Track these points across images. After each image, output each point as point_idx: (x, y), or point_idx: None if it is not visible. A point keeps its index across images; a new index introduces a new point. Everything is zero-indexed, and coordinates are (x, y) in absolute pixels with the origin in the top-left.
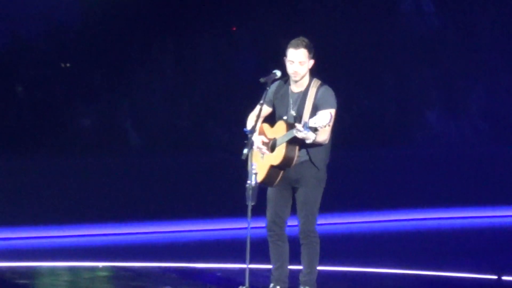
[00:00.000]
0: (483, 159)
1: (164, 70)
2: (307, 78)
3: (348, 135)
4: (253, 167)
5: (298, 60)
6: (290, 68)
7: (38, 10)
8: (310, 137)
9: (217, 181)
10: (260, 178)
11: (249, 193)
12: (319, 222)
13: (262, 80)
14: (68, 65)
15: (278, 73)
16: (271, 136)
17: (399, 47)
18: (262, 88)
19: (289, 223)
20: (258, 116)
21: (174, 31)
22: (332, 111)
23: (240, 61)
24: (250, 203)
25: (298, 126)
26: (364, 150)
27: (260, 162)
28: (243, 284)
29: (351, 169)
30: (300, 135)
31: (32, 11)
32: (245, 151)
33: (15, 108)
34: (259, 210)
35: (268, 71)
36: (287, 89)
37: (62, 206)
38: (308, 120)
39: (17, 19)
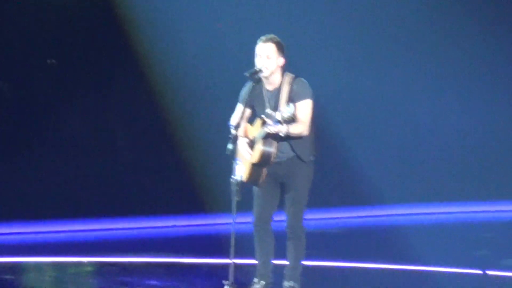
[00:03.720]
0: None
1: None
2: (278, 75)
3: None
4: (238, 162)
5: (265, 54)
6: (258, 62)
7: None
8: (281, 130)
9: (203, 177)
10: (244, 177)
11: (234, 188)
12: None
13: (247, 74)
14: (54, 61)
15: (263, 69)
16: (252, 135)
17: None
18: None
19: (275, 218)
20: (242, 115)
21: (160, 29)
22: (307, 102)
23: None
24: (235, 199)
25: (268, 121)
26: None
27: (244, 162)
28: (228, 279)
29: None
30: (271, 129)
31: (14, 6)
32: (230, 146)
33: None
34: (245, 205)
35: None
36: (261, 88)
37: (47, 201)
38: (275, 114)
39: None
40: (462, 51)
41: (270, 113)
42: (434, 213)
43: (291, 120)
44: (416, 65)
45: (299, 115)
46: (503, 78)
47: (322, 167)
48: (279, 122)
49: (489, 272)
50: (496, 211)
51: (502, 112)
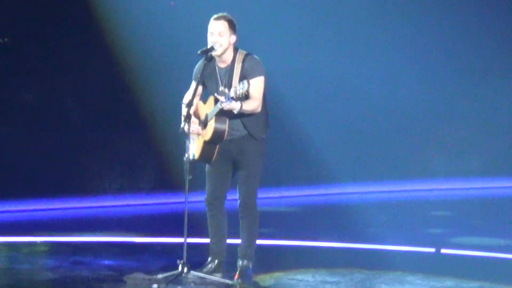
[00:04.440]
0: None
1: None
2: (231, 53)
3: None
4: (190, 140)
5: (217, 31)
6: (210, 40)
7: None
8: (235, 106)
9: (156, 156)
10: (197, 155)
11: (187, 166)
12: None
13: (199, 52)
14: (5, 40)
15: (215, 47)
16: (204, 112)
17: None
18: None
19: (228, 197)
20: (194, 93)
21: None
22: (260, 79)
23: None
24: (188, 177)
25: (221, 98)
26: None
27: (197, 140)
28: (182, 258)
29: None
30: (224, 106)
31: None
32: (182, 125)
33: None
34: (198, 184)
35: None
36: (214, 66)
37: None
38: (230, 91)
39: None
40: (417, 30)
41: (223, 90)
42: (387, 191)
43: (245, 97)
44: (370, 44)
45: (252, 92)
46: (459, 58)
47: (274, 145)
48: (232, 99)
49: (443, 251)
50: (449, 189)
51: (455, 91)
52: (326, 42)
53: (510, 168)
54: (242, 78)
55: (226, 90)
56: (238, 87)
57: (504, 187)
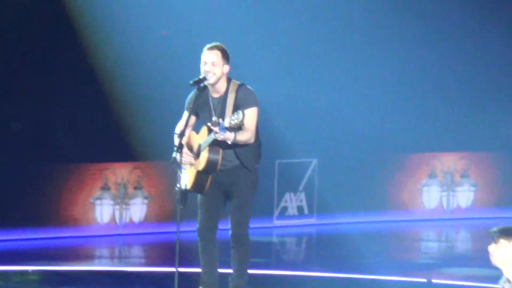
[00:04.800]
0: None
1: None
2: (224, 83)
3: None
4: (183, 170)
5: (210, 60)
6: (202, 69)
7: None
8: (229, 137)
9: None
10: (189, 185)
11: (178, 196)
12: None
13: (191, 82)
14: None
15: (208, 77)
16: (197, 142)
17: None
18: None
19: (220, 226)
20: (187, 123)
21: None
22: (253, 109)
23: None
24: (179, 207)
25: (215, 129)
26: None
27: (189, 170)
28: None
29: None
30: (218, 137)
31: None
32: (174, 154)
33: None
34: (189, 214)
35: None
36: (207, 96)
37: None
38: (224, 121)
39: None
40: (404, 60)
41: (216, 121)
42: (377, 221)
43: (238, 128)
44: (357, 73)
45: (245, 123)
46: (448, 89)
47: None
48: (226, 129)
49: (434, 281)
50: (441, 219)
51: (445, 122)
52: (316, 71)
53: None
54: (236, 108)
55: (220, 120)
56: (233, 118)
57: (496, 217)
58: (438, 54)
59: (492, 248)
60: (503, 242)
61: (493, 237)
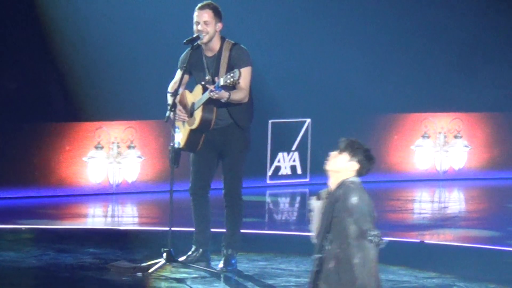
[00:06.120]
0: None
1: None
2: (218, 41)
3: None
4: (176, 130)
5: (203, 20)
6: (195, 29)
7: None
8: (223, 96)
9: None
10: (182, 144)
11: (172, 155)
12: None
13: (185, 41)
14: None
15: (201, 36)
16: (191, 101)
17: None
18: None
19: (212, 187)
20: (180, 82)
21: None
22: (247, 69)
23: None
24: (173, 166)
25: (210, 87)
26: None
27: (182, 128)
28: (166, 246)
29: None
30: (213, 95)
31: None
32: (168, 113)
33: None
34: (183, 174)
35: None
36: (201, 55)
37: None
38: (219, 79)
39: None
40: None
41: (209, 79)
42: (370, 182)
43: (233, 87)
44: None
45: (240, 81)
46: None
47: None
48: (222, 88)
49: (427, 241)
50: (434, 179)
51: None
52: (310, 34)
53: (496, 160)
54: (230, 67)
55: (216, 79)
56: (228, 76)
57: (489, 178)
58: (430, 16)
59: (334, 155)
60: (345, 155)
61: (340, 146)
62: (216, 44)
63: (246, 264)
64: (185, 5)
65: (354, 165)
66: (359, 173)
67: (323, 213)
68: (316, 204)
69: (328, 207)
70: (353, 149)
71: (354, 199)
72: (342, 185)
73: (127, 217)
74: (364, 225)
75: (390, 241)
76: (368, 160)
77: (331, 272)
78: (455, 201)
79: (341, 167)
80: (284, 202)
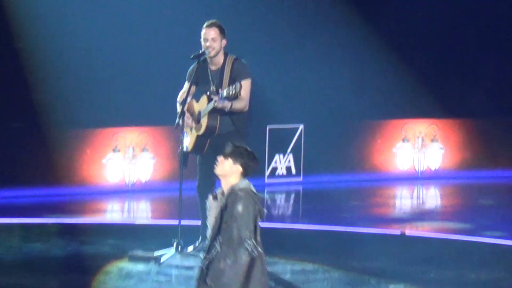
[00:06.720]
0: None
1: None
2: (222, 56)
3: None
4: (185, 135)
5: (210, 37)
6: (203, 45)
7: None
8: (226, 105)
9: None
10: (190, 147)
11: (181, 157)
12: None
13: (191, 56)
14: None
15: (206, 52)
16: (197, 109)
17: None
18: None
19: (217, 185)
20: (187, 92)
21: None
22: (247, 81)
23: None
24: (182, 167)
25: (215, 97)
26: None
27: (190, 134)
28: (176, 238)
29: None
30: (217, 105)
31: None
32: (177, 120)
33: None
34: (190, 174)
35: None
36: (206, 68)
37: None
38: (222, 91)
39: None
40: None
41: (214, 90)
42: (356, 181)
43: (235, 97)
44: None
45: (241, 93)
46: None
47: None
48: (225, 98)
49: (408, 233)
50: (412, 178)
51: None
52: (305, 52)
53: (468, 162)
54: (232, 79)
55: (220, 90)
56: (231, 88)
57: (461, 177)
58: (407, 26)
59: (220, 159)
60: (229, 160)
61: (225, 152)
62: (220, 58)
63: None
64: (193, 22)
65: (238, 168)
66: (245, 174)
67: (215, 217)
68: (212, 204)
69: (219, 212)
70: (236, 154)
71: (239, 208)
72: (232, 192)
73: (142, 212)
74: (243, 233)
75: (374, 233)
76: (251, 161)
77: (220, 271)
78: (432, 197)
79: (227, 170)
80: (280, 198)
